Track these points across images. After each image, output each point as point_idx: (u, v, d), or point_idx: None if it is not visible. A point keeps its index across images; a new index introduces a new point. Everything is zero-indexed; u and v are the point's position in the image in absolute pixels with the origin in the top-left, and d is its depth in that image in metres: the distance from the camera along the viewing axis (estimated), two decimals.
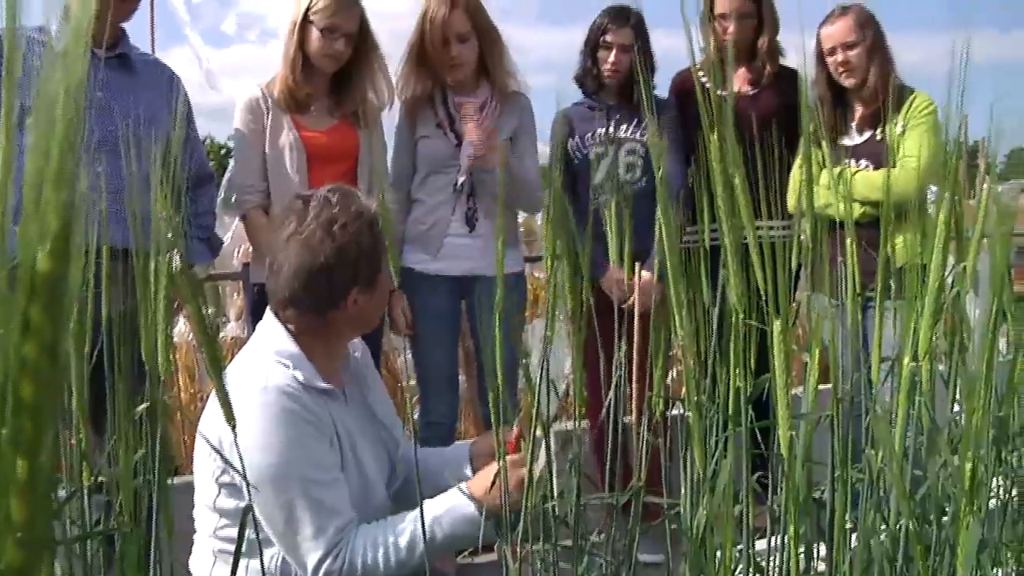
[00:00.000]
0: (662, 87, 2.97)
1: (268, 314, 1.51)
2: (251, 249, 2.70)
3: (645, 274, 1.50)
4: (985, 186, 1.13)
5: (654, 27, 2.83)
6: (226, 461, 1.26)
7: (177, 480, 1.99)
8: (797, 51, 2.85)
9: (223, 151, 16.10)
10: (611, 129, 2.78)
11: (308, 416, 1.40)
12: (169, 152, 1.00)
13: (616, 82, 2.77)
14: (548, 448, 1.24)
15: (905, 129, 2.59)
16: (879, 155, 2.59)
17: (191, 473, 1.49)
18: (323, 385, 1.45)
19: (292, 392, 1.40)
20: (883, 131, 2.60)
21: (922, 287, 0.94)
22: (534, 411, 1.21)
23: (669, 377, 1.47)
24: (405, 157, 2.68)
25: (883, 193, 1.23)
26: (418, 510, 1.36)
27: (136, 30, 3.10)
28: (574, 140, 2.80)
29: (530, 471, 1.21)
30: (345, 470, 1.45)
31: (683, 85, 2.88)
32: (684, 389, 1.11)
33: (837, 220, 1.26)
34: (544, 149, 2.82)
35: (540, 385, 1.21)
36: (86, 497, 1.10)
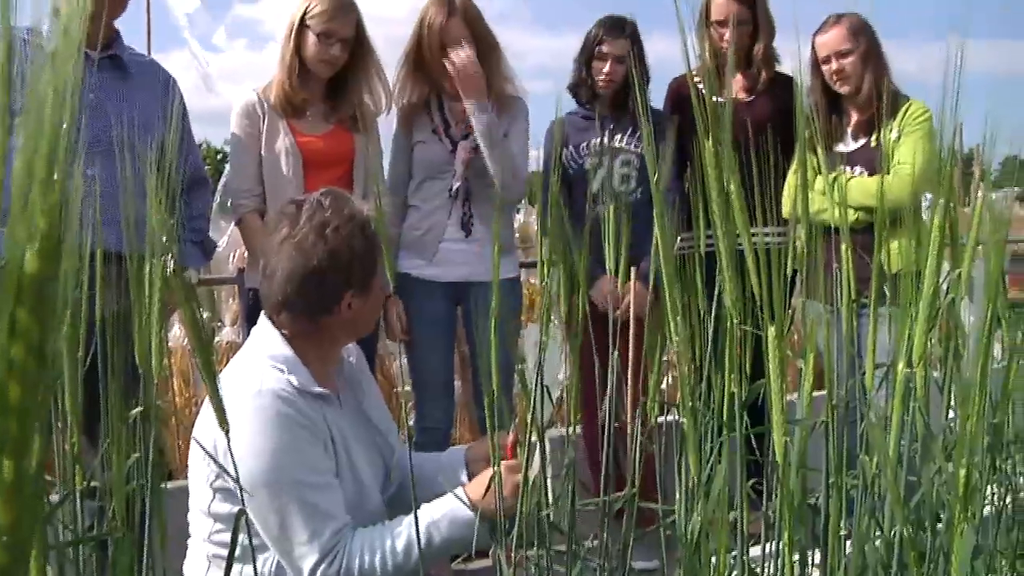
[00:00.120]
0: (659, 93, 2.98)
1: (263, 318, 1.51)
2: (246, 254, 2.70)
3: (635, 284, 1.50)
4: (980, 193, 1.13)
5: (652, 32, 2.83)
6: (220, 466, 1.26)
7: (171, 485, 1.98)
8: (792, 57, 2.85)
9: (219, 155, 16.10)
10: (605, 139, 2.78)
11: (302, 420, 1.39)
12: (164, 155, 1.00)
13: (610, 92, 2.78)
14: (543, 453, 1.24)
15: (900, 136, 2.60)
16: (873, 161, 2.59)
17: (186, 478, 1.48)
18: (317, 389, 1.44)
19: (286, 396, 1.39)
20: (878, 138, 2.61)
21: (917, 293, 0.94)
22: (529, 416, 1.21)
23: (664, 382, 1.47)
24: (401, 163, 2.68)
25: (877, 199, 1.24)
26: (414, 514, 1.36)
27: (133, 34, 3.11)
28: (568, 150, 2.80)
29: (525, 476, 1.21)
30: (339, 475, 1.45)
31: (679, 91, 2.88)
32: (679, 394, 1.11)
33: (832, 226, 1.27)
34: (536, 154, 2.82)
35: (535, 390, 1.21)
36: (78, 501, 1.10)
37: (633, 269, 1.44)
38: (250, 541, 1.17)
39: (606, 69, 2.74)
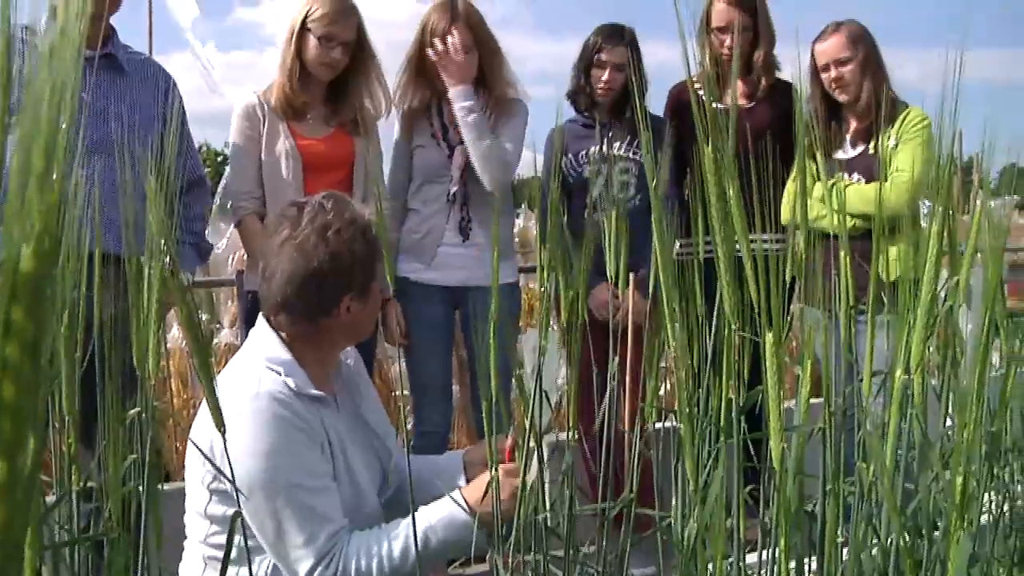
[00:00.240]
0: (660, 99, 2.99)
1: (260, 321, 1.51)
2: (245, 256, 2.70)
3: (633, 291, 1.50)
4: (978, 201, 1.13)
5: (652, 38, 2.84)
6: (216, 468, 1.25)
7: (168, 486, 1.98)
8: (792, 64, 2.86)
9: (219, 158, 16.10)
10: (604, 147, 2.78)
11: (299, 423, 1.39)
12: (163, 158, 1.00)
13: (609, 100, 2.78)
14: (540, 458, 1.24)
15: (898, 143, 2.60)
16: (872, 169, 2.60)
17: (183, 479, 1.48)
18: (315, 392, 1.44)
19: (283, 399, 1.39)
20: (876, 145, 2.61)
21: (915, 300, 0.94)
22: (527, 421, 1.21)
23: (662, 388, 1.47)
24: (401, 167, 2.68)
25: (875, 207, 1.24)
26: (412, 517, 1.35)
27: (134, 35, 3.11)
28: (567, 158, 2.81)
29: (523, 481, 1.21)
30: (336, 478, 1.45)
31: (680, 97, 2.89)
32: (676, 400, 1.11)
33: (830, 233, 1.27)
34: (533, 158, 2.82)
35: (533, 395, 1.21)
36: (75, 502, 1.10)
37: (632, 276, 1.44)
38: (245, 543, 1.16)
39: (605, 77, 2.74)
